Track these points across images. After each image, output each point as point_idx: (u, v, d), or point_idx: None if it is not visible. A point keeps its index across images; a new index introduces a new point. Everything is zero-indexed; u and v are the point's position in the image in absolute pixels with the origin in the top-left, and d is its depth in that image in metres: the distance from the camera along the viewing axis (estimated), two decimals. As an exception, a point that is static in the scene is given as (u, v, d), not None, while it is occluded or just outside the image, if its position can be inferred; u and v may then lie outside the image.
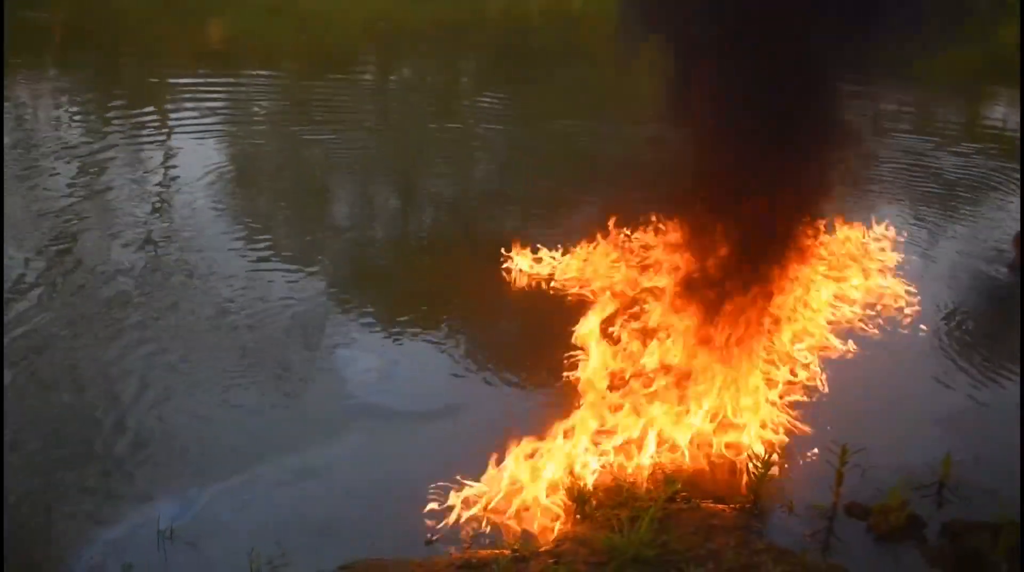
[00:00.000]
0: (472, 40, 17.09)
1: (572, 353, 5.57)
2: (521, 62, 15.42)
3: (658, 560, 3.86)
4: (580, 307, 6.37)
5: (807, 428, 5.05)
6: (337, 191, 9.40)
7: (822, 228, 7.07)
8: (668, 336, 5.51)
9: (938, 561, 4.18)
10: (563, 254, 7.03)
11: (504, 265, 6.97)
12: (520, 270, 6.93)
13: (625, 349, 5.60)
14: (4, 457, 4.38)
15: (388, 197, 9.37)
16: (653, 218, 7.31)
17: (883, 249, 7.61)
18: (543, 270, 6.93)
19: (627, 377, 5.32)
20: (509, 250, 7.00)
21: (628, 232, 7.27)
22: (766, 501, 4.40)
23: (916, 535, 4.31)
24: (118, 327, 5.81)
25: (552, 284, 6.79)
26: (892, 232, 7.88)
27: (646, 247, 7.16)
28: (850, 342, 6.09)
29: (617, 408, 4.94)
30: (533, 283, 6.85)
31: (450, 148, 10.63)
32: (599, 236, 7.11)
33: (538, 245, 7.09)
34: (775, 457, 4.60)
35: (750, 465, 4.51)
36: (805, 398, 5.35)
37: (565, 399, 5.16)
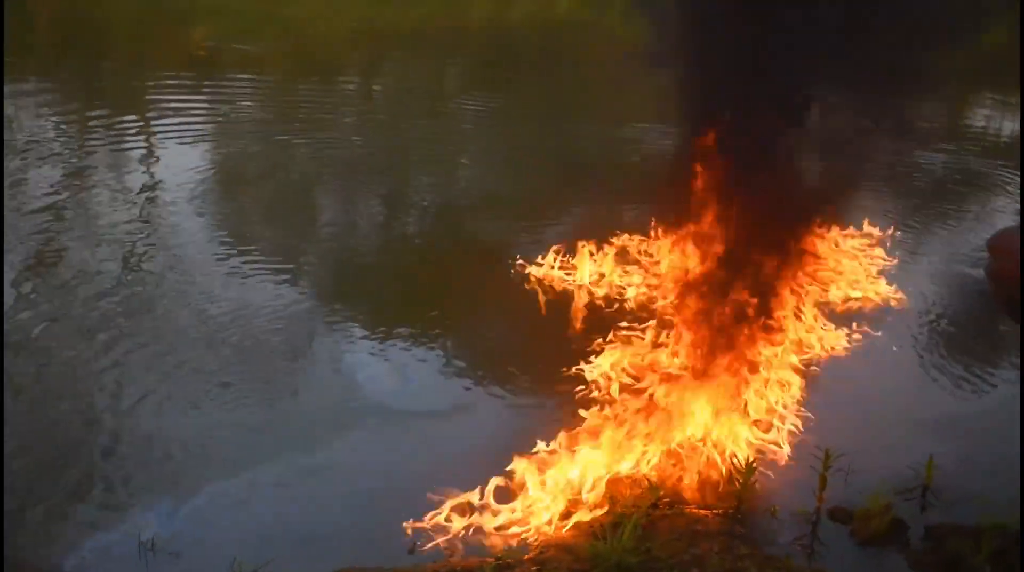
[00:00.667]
0: (457, 46, 17.08)
1: (572, 362, 5.61)
2: (507, 67, 15.44)
3: (642, 566, 3.87)
4: (583, 311, 6.43)
5: (791, 432, 5.06)
6: (325, 195, 9.38)
7: (816, 231, 7.11)
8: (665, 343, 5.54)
9: (921, 565, 4.19)
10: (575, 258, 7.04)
11: (521, 270, 6.97)
12: (544, 276, 6.92)
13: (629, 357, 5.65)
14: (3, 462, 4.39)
15: (377, 201, 9.35)
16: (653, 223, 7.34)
17: (868, 251, 7.63)
18: (564, 275, 6.94)
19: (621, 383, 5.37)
20: (502, 253, 7.01)
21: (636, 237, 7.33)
22: (750, 506, 4.41)
23: (899, 539, 4.33)
24: (102, 334, 5.77)
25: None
26: (877, 233, 7.91)
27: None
28: (833, 346, 6.11)
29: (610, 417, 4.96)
30: (557, 289, 6.85)
31: (438, 152, 10.63)
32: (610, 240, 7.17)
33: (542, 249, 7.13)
34: (758, 462, 4.61)
35: (733, 470, 4.51)
36: (788, 402, 5.36)
37: (563, 407, 5.18)
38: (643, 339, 5.87)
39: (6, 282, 6.30)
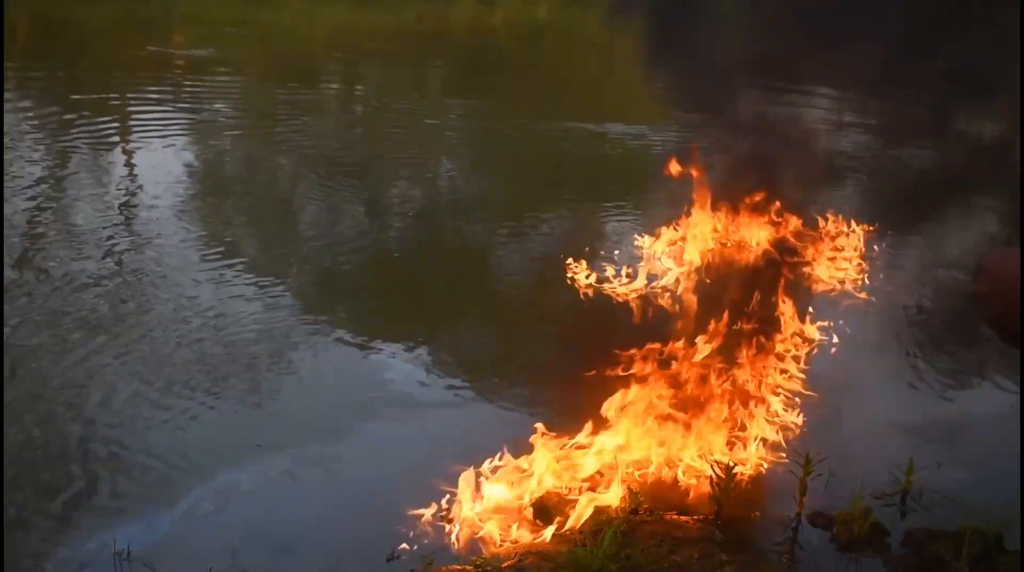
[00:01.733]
0: (438, 51, 17.08)
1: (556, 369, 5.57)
2: (489, 71, 15.45)
3: (622, 573, 3.85)
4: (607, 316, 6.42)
5: (771, 437, 5.05)
6: (307, 197, 9.33)
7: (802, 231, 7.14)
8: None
9: (901, 569, 4.19)
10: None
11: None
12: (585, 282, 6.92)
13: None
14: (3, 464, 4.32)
15: (360, 206, 9.32)
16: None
17: (850, 249, 7.62)
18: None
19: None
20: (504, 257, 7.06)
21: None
22: (730, 512, 4.38)
23: (879, 544, 4.31)
24: (81, 340, 5.71)
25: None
26: (859, 233, 7.91)
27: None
28: (813, 347, 6.10)
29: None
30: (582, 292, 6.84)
31: (421, 155, 10.61)
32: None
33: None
34: (738, 467, 4.59)
35: (713, 476, 4.49)
36: (768, 406, 5.35)
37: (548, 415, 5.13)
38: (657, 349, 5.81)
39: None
